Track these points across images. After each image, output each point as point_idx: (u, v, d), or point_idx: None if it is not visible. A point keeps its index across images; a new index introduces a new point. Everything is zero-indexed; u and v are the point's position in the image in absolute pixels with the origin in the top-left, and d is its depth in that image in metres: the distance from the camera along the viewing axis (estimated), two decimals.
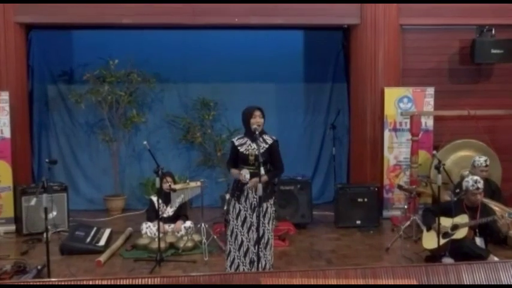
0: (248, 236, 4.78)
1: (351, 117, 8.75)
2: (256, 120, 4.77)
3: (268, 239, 4.85)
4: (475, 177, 5.73)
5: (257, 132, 4.72)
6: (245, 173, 4.77)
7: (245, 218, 4.80)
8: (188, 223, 6.67)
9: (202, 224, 6.35)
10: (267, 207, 4.85)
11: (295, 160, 8.83)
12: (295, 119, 9.31)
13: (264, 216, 4.82)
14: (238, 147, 4.81)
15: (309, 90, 9.34)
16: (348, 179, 9.04)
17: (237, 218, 4.82)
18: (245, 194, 4.80)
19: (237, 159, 4.87)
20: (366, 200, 7.46)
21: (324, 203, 9.05)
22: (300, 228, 7.31)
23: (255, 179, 4.67)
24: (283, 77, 9.12)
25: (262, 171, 4.45)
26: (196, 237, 6.45)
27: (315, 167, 9.34)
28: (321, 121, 9.37)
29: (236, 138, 4.92)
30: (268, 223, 4.85)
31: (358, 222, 7.45)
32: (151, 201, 6.82)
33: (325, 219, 7.96)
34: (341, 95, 9.32)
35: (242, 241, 4.80)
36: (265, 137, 4.86)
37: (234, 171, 4.84)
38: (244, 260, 4.78)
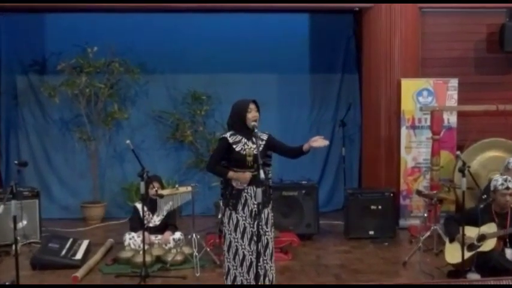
0: (250, 248, 4.76)
1: (363, 113, 8.76)
2: (253, 115, 4.73)
3: (273, 248, 4.86)
4: (505, 176, 5.75)
5: (256, 130, 4.71)
6: (249, 176, 4.73)
7: (245, 228, 4.77)
8: (177, 234, 6.67)
9: (194, 235, 6.35)
10: (268, 213, 4.85)
11: (300, 162, 8.76)
12: (299, 115, 9.32)
13: (267, 223, 4.82)
14: (234, 146, 4.78)
15: (316, 82, 9.34)
16: (360, 184, 9.05)
17: (235, 230, 4.79)
18: (242, 201, 4.78)
19: (226, 159, 4.83)
20: (380, 207, 7.47)
21: (332, 210, 9.05)
22: (305, 240, 7.31)
23: (246, 174, 4.68)
24: (286, 67, 9.12)
25: (262, 174, 4.43)
26: (186, 250, 6.46)
27: (322, 169, 9.34)
28: (329, 117, 9.37)
29: (228, 134, 4.83)
30: (271, 231, 4.86)
31: (371, 232, 7.46)
32: (135, 208, 6.82)
33: (333, 230, 7.96)
34: (352, 87, 9.33)
35: (244, 255, 4.78)
36: (258, 133, 4.84)
37: (232, 174, 4.78)
38: (248, 276, 4.77)
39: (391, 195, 7.54)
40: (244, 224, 4.77)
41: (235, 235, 4.78)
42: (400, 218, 8.01)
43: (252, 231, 4.74)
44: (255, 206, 4.65)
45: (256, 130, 4.68)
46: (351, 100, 9.27)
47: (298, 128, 9.18)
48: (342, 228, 7.76)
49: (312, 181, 7.80)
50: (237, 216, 4.78)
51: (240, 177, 4.73)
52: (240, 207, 4.77)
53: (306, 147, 4.74)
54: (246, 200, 4.77)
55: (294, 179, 7.62)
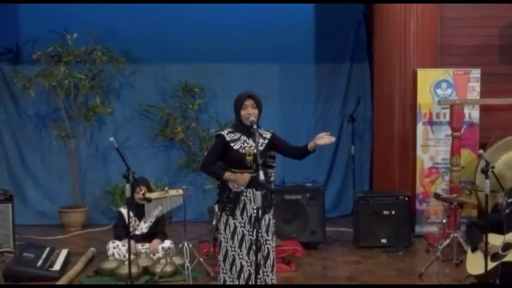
0: (249, 258, 4.76)
1: (375, 107, 8.75)
2: (248, 112, 4.74)
3: (274, 259, 4.86)
4: None
5: (254, 126, 4.70)
6: (247, 177, 4.71)
7: (243, 236, 4.77)
8: (167, 242, 6.66)
9: (185, 244, 6.34)
10: (269, 220, 4.84)
11: (304, 162, 8.75)
12: (303, 110, 9.33)
13: (267, 231, 4.81)
14: (231, 144, 4.79)
15: (321, 73, 9.34)
16: (371, 186, 9.06)
17: (232, 238, 4.78)
18: (241, 205, 4.77)
19: (223, 159, 4.82)
20: (393, 212, 7.47)
21: (340, 216, 9.07)
22: (310, 249, 7.32)
23: (245, 175, 4.67)
24: (289, 56, 9.12)
25: (262, 175, 4.43)
26: (177, 260, 6.45)
27: (328, 170, 9.35)
28: (336, 112, 9.38)
29: (226, 131, 4.84)
30: (272, 239, 4.86)
31: (384, 240, 7.46)
32: (119, 214, 6.82)
33: (341, 237, 7.97)
34: (362, 78, 9.33)
35: (242, 266, 4.78)
36: (261, 131, 4.84)
37: (229, 174, 4.77)
38: None
39: (406, 199, 7.54)
40: (242, 231, 4.77)
41: (232, 243, 4.78)
42: (416, 225, 8.02)
43: (251, 239, 4.74)
44: (255, 211, 4.65)
45: (255, 126, 4.67)
46: (361, 93, 9.27)
47: (301, 125, 9.18)
48: (351, 236, 7.77)
49: (318, 183, 7.80)
50: (234, 222, 4.78)
51: (237, 178, 4.73)
52: (238, 212, 4.77)
53: (311, 145, 4.74)
54: (244, 204, 4.77)
55: (297, 181, 7.61)
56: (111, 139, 5.84)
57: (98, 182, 9.01)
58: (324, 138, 4.71)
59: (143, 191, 6.39)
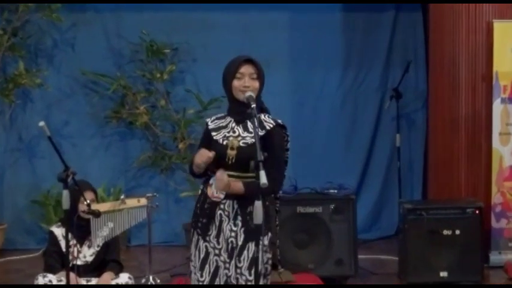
0: None
1: (431, 77, 8.74)
2: (243, 84, 4.70)
3: None
4: None
5: (253, 105, 4.65)
6: (222, 176, 4.62)
7: (216, 268, 4.70)
8: (124, 276, 6.64)
9: (150, 278, 6.35)
10: (253, 251, 4.70)
11: (327, 159, 8.83)
12: (325, 79, 9.37)
13: (252, 267, 4.68)
14: (213, 133, 4.73)
15: (353, 26, 9.37)
16: (425, 194, 9.08)
17: (201, 268, 4.73)
18: (216, 223, 4.71)
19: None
20: (458, 232, 7.46)
21: (379, 238, 9.11)
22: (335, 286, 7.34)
23: (222, 175, 4.60)
24: (304, 3, 9.10)
25: (264, 178, 4.37)
26: None
27: (362, 170, 9.39)
28: (374, 84, 9.42)
29: (214, 117, 4.83)
30: (265, 279, 4.74)
31: (444, 274, 7.46)
32: (51, 235, 6.79)
33: (381, 269, 8.01)
34: (412, 34, 9.37)
35: None
36: (264, 117, 4.78)
37: (197, 158, 4.71)
38: None
39: (477, 212, 7.53)
40: (216, 260, 4.69)
41: (201, 276, 4.72)
42: (491, 251, 8.03)
43: (227, 275, 4.66)
44: (234, 233, 4.60)
45: (253, 105, 4.61)
46: (411, 56, 9.29)
47: (322, 102, 9.26)
48: (395, 268, 7.79)
49: (347, 189, 7.77)
50: (206, 246, 4.71)
51: (218, 179, 4.68)
52: (212, 233, 4.71)
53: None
54: (220, 221, 4.69)
55: (316, 186, 7.60)
56: (41, 124, 5.83)
57: (21, 187, 9.03)
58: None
59: (89, 201, 6.37)
